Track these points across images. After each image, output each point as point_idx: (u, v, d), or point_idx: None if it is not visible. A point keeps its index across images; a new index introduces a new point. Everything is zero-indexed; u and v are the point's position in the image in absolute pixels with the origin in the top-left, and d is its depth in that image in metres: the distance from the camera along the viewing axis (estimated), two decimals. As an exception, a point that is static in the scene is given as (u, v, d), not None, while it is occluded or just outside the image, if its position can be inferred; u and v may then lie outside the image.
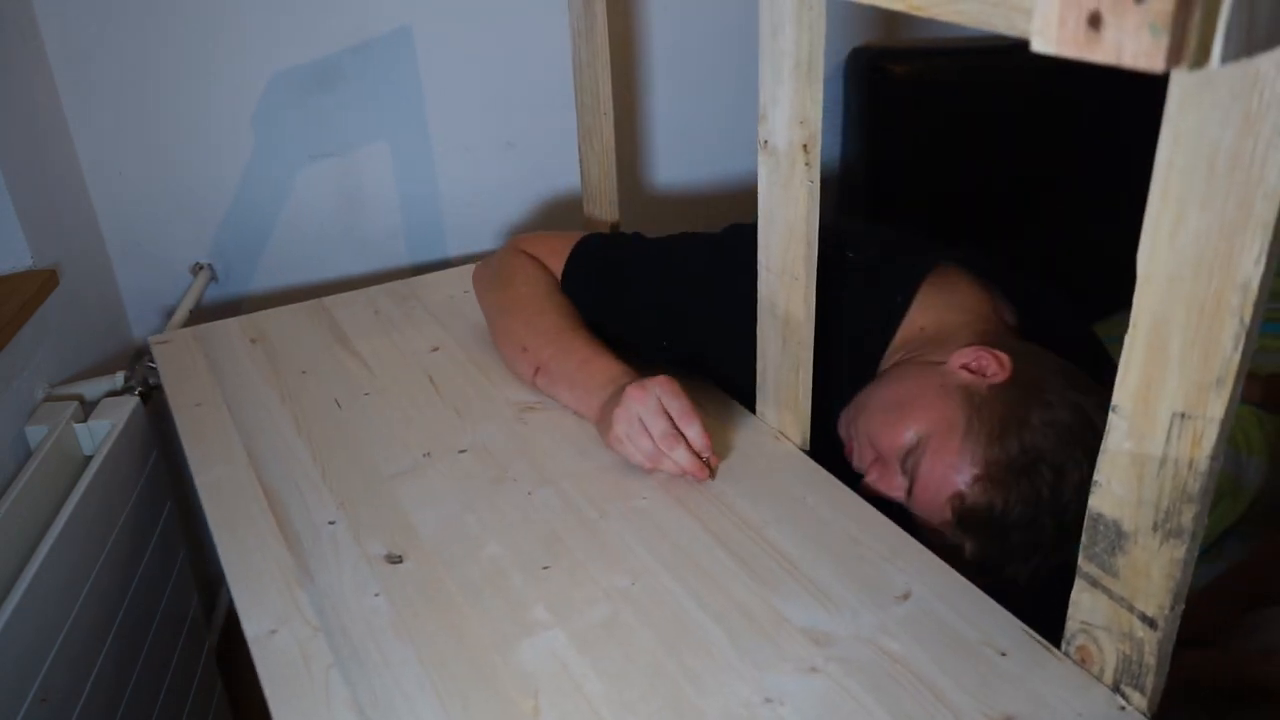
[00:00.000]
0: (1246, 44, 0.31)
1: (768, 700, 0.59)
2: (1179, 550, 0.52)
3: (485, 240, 1.39)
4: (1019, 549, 0.72)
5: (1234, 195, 0.43)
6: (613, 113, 1.10)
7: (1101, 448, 0.54)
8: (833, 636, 0.63)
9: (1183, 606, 0.54)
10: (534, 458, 0.83)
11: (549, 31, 1.27)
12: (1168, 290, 0.48)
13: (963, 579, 0.68)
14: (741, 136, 1.45)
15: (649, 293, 0.91)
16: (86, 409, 1.03)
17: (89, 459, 0.99)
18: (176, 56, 1.16)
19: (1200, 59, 0.31)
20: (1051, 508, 0.71)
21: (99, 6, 1.11)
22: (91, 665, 0.90)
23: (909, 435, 0.75)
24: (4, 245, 0.99)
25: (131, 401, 1.04)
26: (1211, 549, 1.06)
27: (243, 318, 1.10)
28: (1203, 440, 0.49)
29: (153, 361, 1.03)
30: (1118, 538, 0.55)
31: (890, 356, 0.84)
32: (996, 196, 1.50)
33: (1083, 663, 0.60)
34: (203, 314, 1.23)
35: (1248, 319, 0.45)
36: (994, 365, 0.75)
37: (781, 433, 0.85)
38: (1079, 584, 0.58)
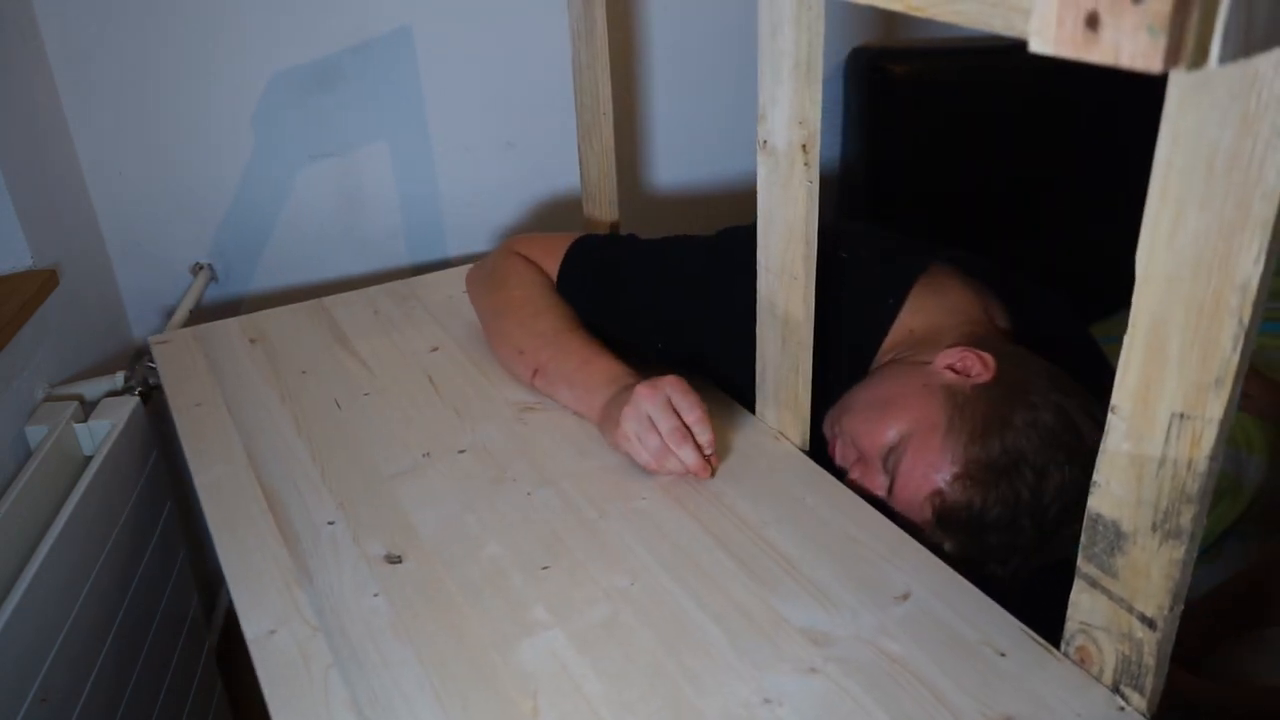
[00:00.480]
0: (1244, 44, 0.31)
1: (767, 701, 0.59)
2: (1178, 551, 0.52)
3: (485, 240, 1.39)
4: (997, 550, 0.72)
5: (1232, 195, 0.43)
6: (612, 113, 1.10)
7: (1101, 448, 0.54)
8: (832, 637, 0.63)
9: (1182, 607, 0.54)
10: (534, 458, 0.83)
11: (549, 32, 1.27)
12: (1166, 290, 0.48)
13: (962, 579, 0.68)
14: (741, 137, 1.45)
15: (645, 294, 0.91)
16: (86, 409, 1.04)
17: (89, 459, 0.99)
18: (176, 56, 1.16)
19: (1198, 60, 0.31)
20: (1031, 509, 0.71)
21: (99, 6, 1.11)
22: (91, 665, 0.90)
23: (891, 434, 0.75)
24: (4, 245, 0.99)
25: (131, 401, 1.04)
26: (1211, 549, 1.06)
27: (243, 318, 1.10)
28: (1202, 441, 0.49)
29: (153, 361, 1.03)
30: (1117, 538, 0.55)
31: (880, 358, 0.85)
32: (996, 196, 1.50)
33: (1082, 663, 0.60)
34: (203, 314, 1.23)
35: (1246, 319, 0.45)
36: (978, 366, 0.76)
37: (781, 433, 0.85)
38: (1078, 584, 0.58)
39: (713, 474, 0.79)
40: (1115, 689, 0.58)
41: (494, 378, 0.95)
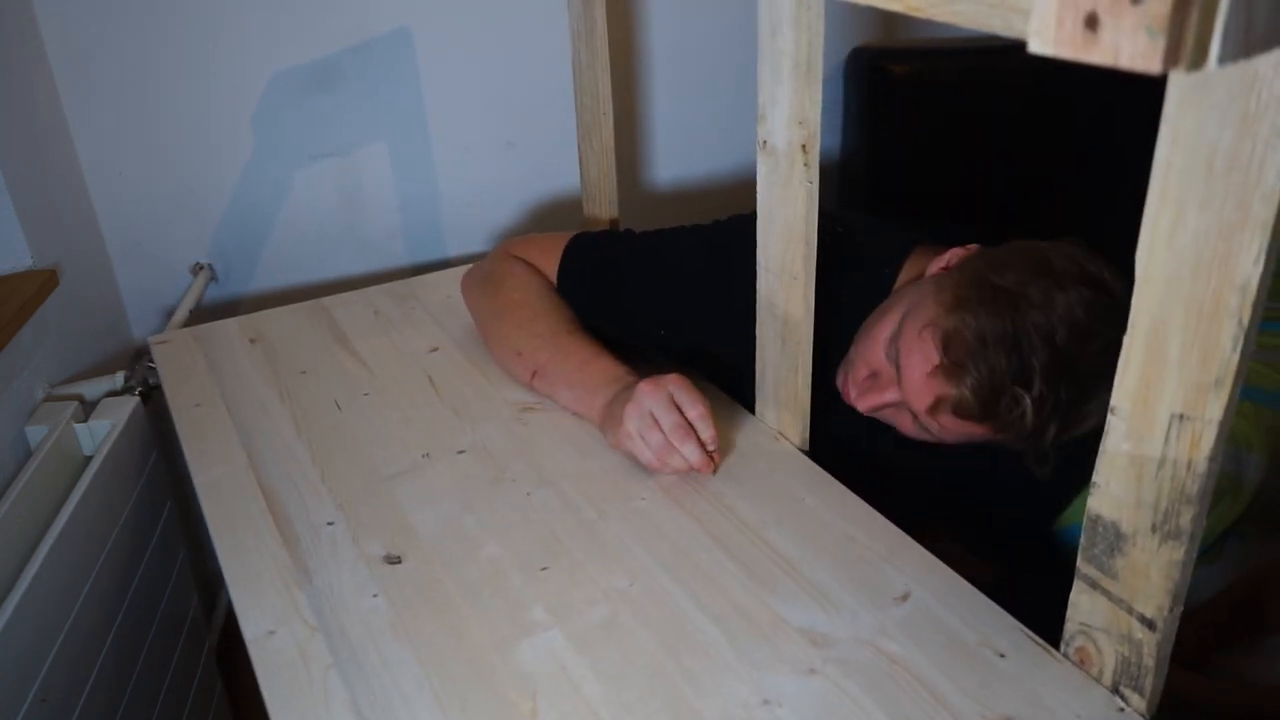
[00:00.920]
0: (1244, 45, 0.31)
1: (766, 702, 0.59)
2: (1178, 552, 0.52)
3: (485, 240, 1.39)
4: (1016, 374, 0.69)
5: (1232, 196, 0.43)
6: (612, 113, 1.10)
7: (1100, 449, 0.54)
8: (831, 638, 0.63)
9: (1181, 608, 0.54)
10: (533, 458, 0.83)
11: (549, 31, 1.27)
12: (1166, 291, 0.48)
13: (962, 580, 0.68)
14: (741, 136, 1.45)
15: (644, 289, 0.91)
16: (86, 409, 1.04)
17: (89, 459, 0.99)
18: (176, 56, 1.16)
19: (1198, 60, 0.30)
20: (1039, 324, 0.69)
21: (99, 6, 1.11)
22: (91, 665, 0.90)
23: (889, 328, 0.77)
24: (4, 245, 0.99)
25: (131, 401, 1.04)
26: (1212, 549, 1.05)
27: (242, 318, 1.10)
28: (1201, 441, 0.49)
29: (152, 362, 1.03)
30: (1116, 539, 0.55)
31: None
32: (996, 196, 1.50)
33: (1081, 664, 0.60)
34: (203, 314, 1.23)
35: (1246, 320, 0.45)
36: (961, 252, 0.79)
37: (781, 433, 0.85)
38: (1078, 585, 0.58)
39: (715, 470, 0.79)
40: (1115, 690, 0.58)
41: (493, 378, 0.95)
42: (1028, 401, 0.69)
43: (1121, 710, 0.57)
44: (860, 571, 0.69)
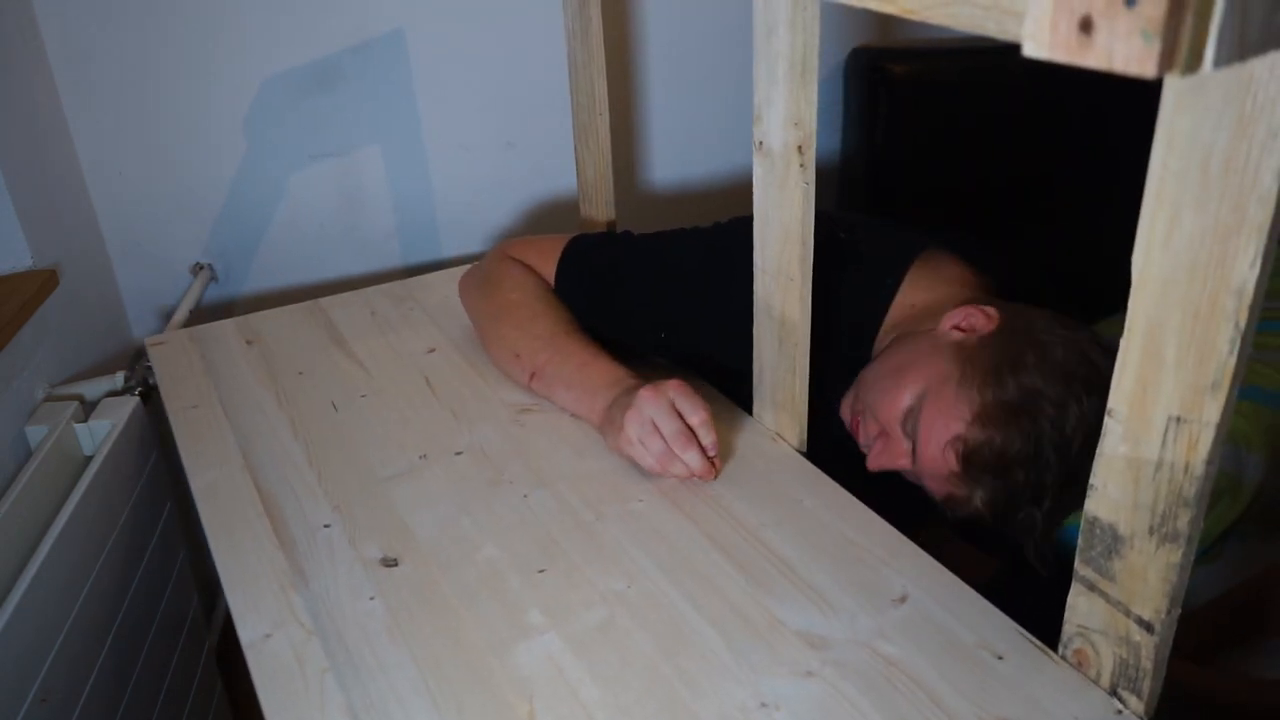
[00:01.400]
0: (1239, 48, 0.31)
1: (763, 704, 0.59)
2: (1175, 554, 0.52)
3: (484, 240, 1.39)
4: (1027, 489, 0.72)
5: (1228, 199, 0.43)
6: (609, 113, 1.10)
7: (1098, 451, 0.54)
8: (829, 640, 0.63)
9: (1179, 610, 0.54)
10: (530, 460, 0.83)
11: (548, 31, 1.26)
12: (1162, 294, 0.48)
13: (960, 582, 0.68)
14: (738, 137, 1.45)
15: (643, 292, 0.91)
16: (86, 409, 1.04)
17: (89, 459, 0.99)
18: (176, 56, 1.16)
19: (1193, 64, 0.30)
20: (1054, 442, 0.71)
21: (99, 6, 1.11)
22: (91, 665, 0.91)
23: (907, 398, 0.76)
24: (4, 245, 0.99)
25: (131, 402, 1.04)
26: (1211, 549, 1.05)
27: (239, 319, 1.10)
28: (1199, 444, 0.48)
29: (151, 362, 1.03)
30: (1114, 542, 0.55)
31: (884, 338, 0.86)
32: (996, 196, 1.50)
33: (1079, 666, 0.60)
34: (203, 314, 1.23)
35: (1243, 323, 0.45)
36: (982, 319, 0.77)
37: (778, 434, 0.85)
38: (1075, 587, 0.58)
39: (716, 476, 0.79)
40: (1113, 692, 0.58)
41: (491, 379, 0.95)
42: (1038, 515, 0.72)
43: (1119, 713, 0.57)
44: (858, 573, 0.69)
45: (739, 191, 1.48)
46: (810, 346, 0.79)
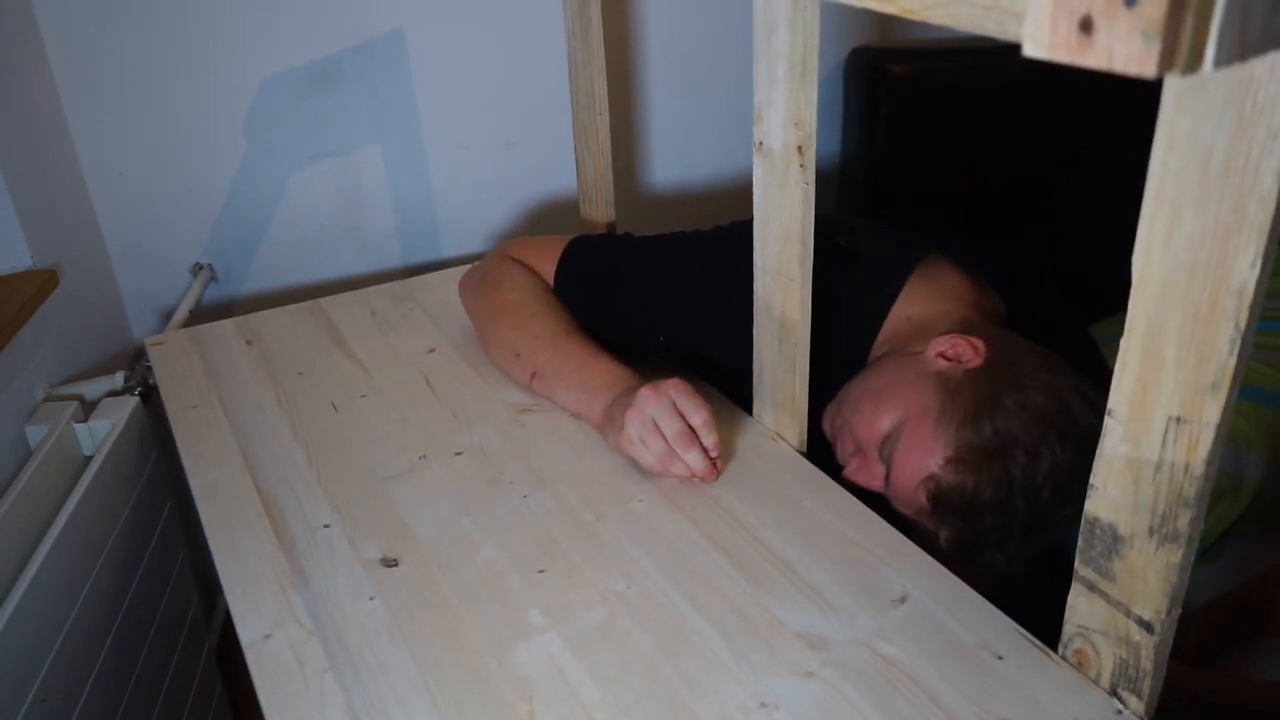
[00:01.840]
0: (1240, 48, 0.31)
1: (763, 705, 0.59)
2: (1175, 555, 0.52)
3: (484, 241, 1.39)
4: (992, 533, 0.73)
5: (1228, 199, 0.43)
6: (608, 113, 1.10)
7: (1098, 451, 0.54)
8: (829, 640, 0.63)
9: (1180, 610, 0.54)
10: (530, 460, 0.83)
11: (548, 31, 1.26)
12: (1162, 294, 0.48)
13: (960, 582, 0.68)
14: (738, 137, 1.45)
15: (643, 293, 0.91)
16: (86, 409, 1.04)
17: (89, 459, 0.99)
18: (176, 56, 1.16)
19: (1193, 64, 0.30)
20: (1024, 490, 0.71)
21: (99, 6, 1.11)
22: (91, 665, 0.91)
23: (885, 424, 0.77)
24: (4, 245, 0.99)
25: (131, 402, 1.04)
26: (1212, 549, 1.05)
27: (239, 319, 1.10)
28: (1199, 444, 0.48)
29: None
30: (1114, 542, 0.55)
31: (877, 348, 0.86)
32: (996, 196, 1.50)
33: (1080, 666, 0.60)
34: (203, 314, 1.23)
35: (1243, 323, 0.45)
36: (969, 351, 0.77)
37: (778, 434, 0.85)
38: (1075, 587, 0.58)
39: (718, 477, 0.79)
40: (1113, 692, 0.58)
41: (491, 379, 0.95)
42: (1000, 559, 0.73)
43: (1120, 713, 0.57)
44: (858, 573, 0.69)
45: (739, 192, 1.48)
46: (810, 348, 0.79)
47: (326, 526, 0.75)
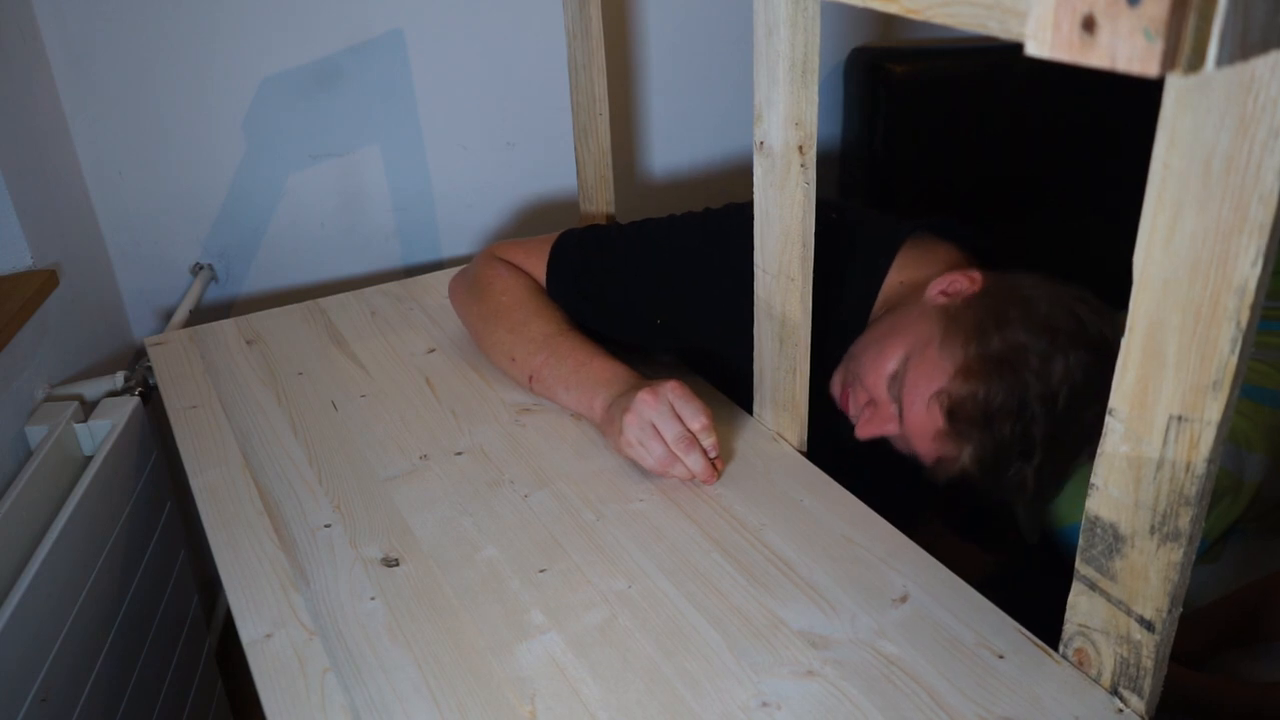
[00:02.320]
0: (1242, 47, 0.31)
1: (764, 704, 0.59)
2: (1176, 553, 0.52)
3: (483, 241, 1.39)
4: (1014, 443, 0.72)
5: (1230, 198, 0.43)
6: (608, 114, 1.10)
7: (1098, 450, 0.54)
8: (830, 639, 0.63)
9: (1180, 609, 0.54)
10: (531, 460, 0.83)
11: (548, 31, 1.26)
12: (1164, 293, 0.48)
13: (960, 581, 0.68)
14: (738, 136, 1.45)
15: (637, 274, 0.91)
16: (86, 409, 1.04)
17: (89, 459, 0.99)
18: (176, 57, 1.16)
19: (1195, 63, 0.30)
20: (1040, 393, 0.71)
21: (99, 6, 1.11)
22: (91, 665, 0.91)
23: (892, 363, 0.77)
24: (4, 245, 0.99)
25: (131, 402, 1.04)
26: (1212, 548, 1.05)
27: (239, 319, 1.10)
28: (1200, 443, 0.48)
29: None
30: (1115, 541, 0.55)
31: (875, 314, 0.87)
32: (996, 196, 1.50)
33: (1080, 665, 0.60)
34: (203, 314, 1.23)
35: (1244, 322, 0.45)
36: (966, 283, 0.78)
37: (779, 434, 0.85)
38: (1076, 586, 0.58)
39: (718, 478, 0.79)
40: (1114, 691, 0.58)
41: (491, 379, 0.95)
42: (1029, 471, 0.72)
43: (1120, 712, 0.57)
44: (859, 573, 0.69)
45: (740, 192, 1.48)
46: (809, 357, 0.79)
47: (327, 526, 0.75)
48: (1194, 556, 0.52)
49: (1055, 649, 0.61)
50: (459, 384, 0.95)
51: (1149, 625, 0.54)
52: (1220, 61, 0.30)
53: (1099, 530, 0.55)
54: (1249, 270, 0.44)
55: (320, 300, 1.13)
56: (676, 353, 0.96)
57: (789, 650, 0.63)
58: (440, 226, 1.36)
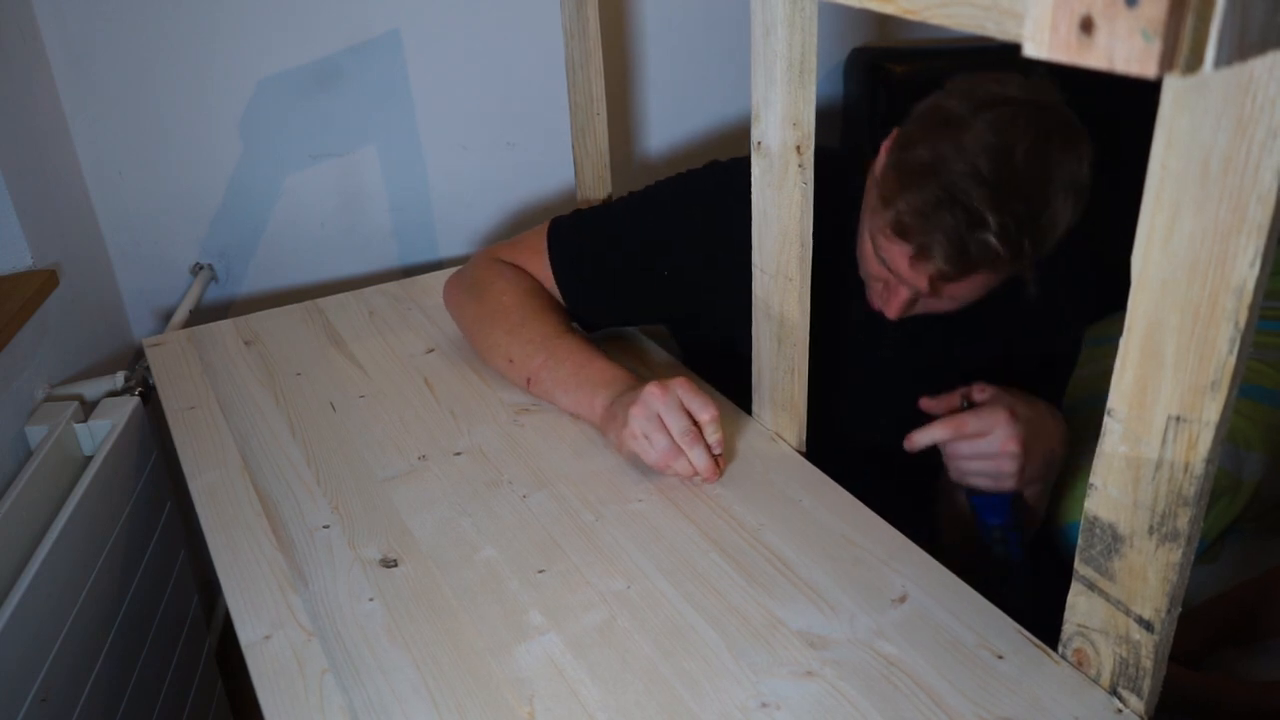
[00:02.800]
0: (1239, 48, 0.31)
1: (764, 705, 0.59)
2: (1175, 554, 0.52)
3: (483, 241, 1.39)
4: (962, 220, 0.71)
5: (1228, 199, 0.43)
6: (606, 113, 1.10)
7: (1097, 450, 0.54)
8: (829, 640, 0.63)
9: (1179, 609, 0.54)
10: (529, 461, 0.83)
11: (548, 31, 1.26)
12: (1162, 294, 0.48)
13: (960, 582, 0.68)
14: (737, 135, 1.45)
15: (638, 229, 0.92)
16: (86, 409, 1.04)
17: (89, 459, 0.99)
18: (176, 57, 1.16)
19: (1193, 64, 0.30)
20: (960, 171, 0.71)
21: (99, 6, 1.11)
22: (91, 665, 0.91)
23: (868, 240, 0.81)
24: (4, 245, 0.99)
25: (131, 402, 1.04)
26: (1211, 547, 1.05)
27: (237, 319, 1.10)
28: (1198, 444, 0.48)
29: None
30: (1114, 541, 0.55)
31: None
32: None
33: (1079, 666, 0.60)
34: (203, 314, 1.23)
35: (1243, 322, 0.45)
36: (886, 144, 0.80)
37: (778, 434, 0.85)
38: (1075, 587, 0.58)
39: (720, 476, 0.79)
40: (1113, 691, 0.58)
41: (490, 380, 0.95)
42: (991, 238, 0.72)
43: (1120, 712, 0.57)
44: (858, 573, 0.69)
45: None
46: (808, 357, 0.80)
47: (326, 527, 0.75)
48: (1193, 557, 0.52)
49: (1054, 649, 0.61)
50: (458, 384, 0.95)
51: (1148, 625, 0.54)
52: (1218, 62, 0.30)
53: (1098, 530, 0.55)
54: (1247, 270, 0.44)
55: (319, 300, 1.13)
56: (686, 327, 0.96)
57: (788, 651, 0.63)
58: (439, 226, 1.36)
